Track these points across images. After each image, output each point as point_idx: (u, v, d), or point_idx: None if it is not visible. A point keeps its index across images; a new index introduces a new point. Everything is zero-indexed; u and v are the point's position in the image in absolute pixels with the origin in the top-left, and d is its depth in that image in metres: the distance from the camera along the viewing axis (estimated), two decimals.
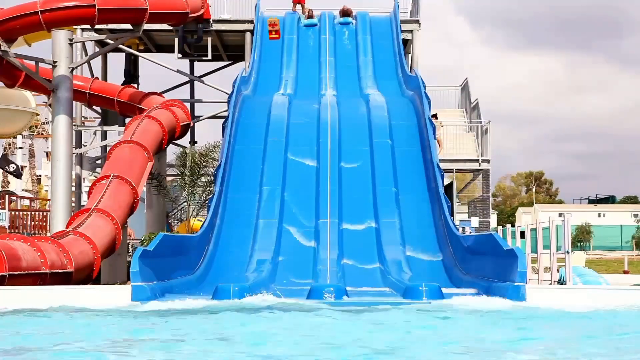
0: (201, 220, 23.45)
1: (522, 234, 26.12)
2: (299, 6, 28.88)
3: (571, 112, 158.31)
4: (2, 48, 21.75)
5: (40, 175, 52.63)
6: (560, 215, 21.24)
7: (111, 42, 25.74)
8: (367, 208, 20.02)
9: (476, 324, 11.55)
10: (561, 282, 21.60)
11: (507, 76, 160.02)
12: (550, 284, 21.70)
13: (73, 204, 25.77)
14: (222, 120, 22.84)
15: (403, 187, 20.56)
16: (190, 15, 25.44)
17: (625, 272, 36.36)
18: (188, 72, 29.82)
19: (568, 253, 20.75)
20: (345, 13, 28.71)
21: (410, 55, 28.07)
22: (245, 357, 8.57)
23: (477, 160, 26.13)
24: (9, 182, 46.89)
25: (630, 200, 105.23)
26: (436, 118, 26.37)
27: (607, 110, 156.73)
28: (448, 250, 18.17)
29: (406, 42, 28.08)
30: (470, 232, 24.41)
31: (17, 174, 39.47)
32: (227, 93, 25.47)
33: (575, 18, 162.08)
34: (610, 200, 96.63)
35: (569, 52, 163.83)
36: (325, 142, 21.74)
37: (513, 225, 30.47)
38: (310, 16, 28.47)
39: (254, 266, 18.33)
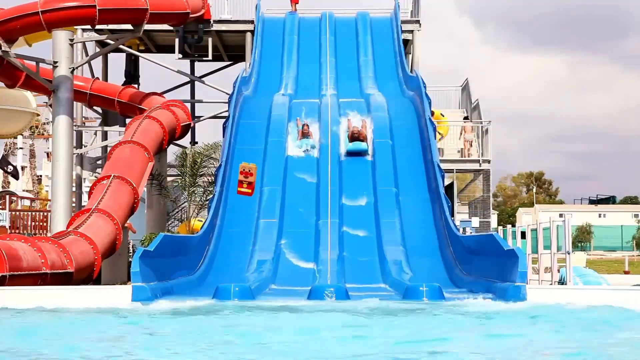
0: (202, 221, 23.45)
1: (523, 234, 26.11)
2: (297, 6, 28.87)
3: (572, 112, 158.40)
4: (3, 48, 21.76)
5: (40, 176, 52.59)
6: (560, 215, 21.28)
7: (112, 42, 25.74)
8: (367, 208, 20.03)
9: (476, 325, 11.55)
10: (562, 282, 21.60)
11: (509, 76, 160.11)
12: (551, 284, 21.70)
13: (74, 205, 25.76)
14: (223, 120, 22.85)
15: (403, 188, 20.55)
16: (191, 16, 25.44)
17: (626, 273, 36.39)
18: (188, 73, 29.82)
19: (568, 253, 20.75)
20: (357, 136, 21.37)
21: (410, 56, 28.07)
22: (246, 358, 8.57)
23: (478, 161, 26.15)
24: (9, 183, 46.86)
25: (630, 200, 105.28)
26: (469, 119, 26.57)
27: (608, 110, 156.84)
28: (448, 251, 18.17)
29: (407, 43, 28.08)
30: (471, 233, 24.41)
31: (15, 175, 39.46)
32: (227, 93, 25.46)
33: (578, 18, 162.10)
34: (610, 200, 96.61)
35: (571, 52, 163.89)
36: (325, 143, 21.73)
37: (513, 226, 30.44)
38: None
39: (254, 266, 18.34)
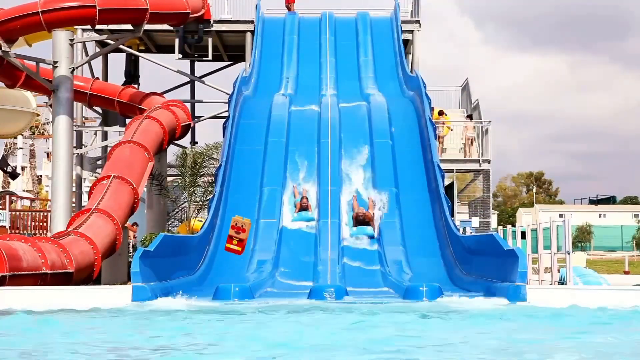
0: (201, 221, 23.46)
1: (523, 234, 26.09)
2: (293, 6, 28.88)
3: (572, 112, 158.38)
4: (3, 48, 21.75)
5: (40, 176, 52.63)
6: (560, 215, 21.26)
7: (112, 42, 25.74)
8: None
9: (477, 325, 11.55)
10: (562, 282, 21.59)
11: (509, 76, 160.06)
12: (551, 284, 21.69)
13: (74, 205, 25.77)
14: (223, 120, 22.85)
15: (403, 188, 20.56)
16: (191, 16, 25.44)
17: (626, 273, 36.35)
18: (188, 73, 29.82)
19: (568, 253, 20.74)
20: (362, 219, 19.35)
21: (410, 56, 28.08)
22: (245, 357, 8.57)
23: (478, 161, 26.14)
24: (9, 183, 46.88)
25: (630, 200, 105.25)
26: (471, 119, 26.55)
27: (608, 110, 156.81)
28: (448, 251, 18.18)
29: (407, 43, 28.09)
30: (471, 233, 24.41)
31: (13, 175, 39.51)
32: (227, 93, 25.47)
33: (578, 18, 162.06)
34: (610, 200, 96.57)
35: (571, 52, 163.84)
36: (325, 143, 21.74)
37: (513, 226, 30.43)
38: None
39: (254, 266, 18.35)
